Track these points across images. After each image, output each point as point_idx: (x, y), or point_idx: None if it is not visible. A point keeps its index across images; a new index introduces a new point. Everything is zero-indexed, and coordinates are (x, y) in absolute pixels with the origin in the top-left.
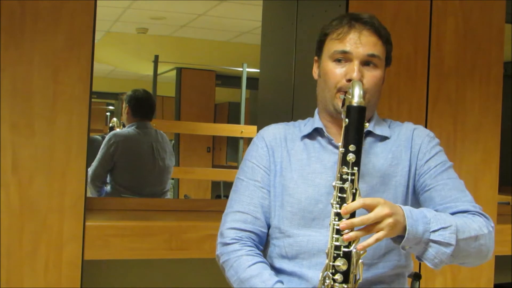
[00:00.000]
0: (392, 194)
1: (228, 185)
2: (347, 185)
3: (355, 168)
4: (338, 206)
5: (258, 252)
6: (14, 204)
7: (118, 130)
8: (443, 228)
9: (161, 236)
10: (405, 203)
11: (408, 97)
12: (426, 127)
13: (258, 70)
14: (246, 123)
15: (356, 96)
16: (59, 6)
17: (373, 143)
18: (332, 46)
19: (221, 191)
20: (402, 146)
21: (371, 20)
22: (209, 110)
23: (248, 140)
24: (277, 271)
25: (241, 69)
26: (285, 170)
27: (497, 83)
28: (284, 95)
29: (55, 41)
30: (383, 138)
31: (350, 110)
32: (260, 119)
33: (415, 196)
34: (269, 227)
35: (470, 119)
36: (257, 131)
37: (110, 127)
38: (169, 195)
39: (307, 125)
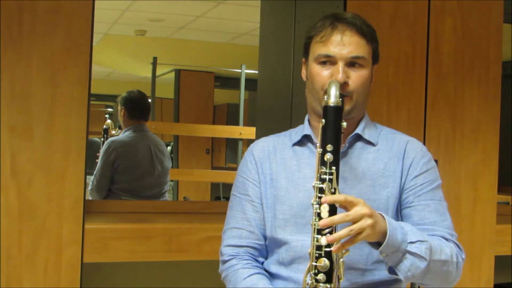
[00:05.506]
0: (383, 205)
1: (228, 187)
2: (325, 185)
3: (333, 168)
4: (317, 206)
5: (256, 264)
6: (13, 207)
7: (115, 136)
8: (420, 241)
9: (161, 238)
10: (396, 216)
11: (406, 97)
12: (424, 127)
13: (257, 72)
14: (245, 124)
15: (333, 96)
16: (57, 8)
17: (364, 149)
18: (317, 49)
19: (221, 193)
20: (395, 157)
21: (353, 19)
22: (208, 111)
23: (247, 142)
24: (274, 276)
25: (239, 70)
26: (275, 181)
27: (495, 83)
28: (283, 96)
29: (53, 44)
30: (373, 144)
31: (327, 110)
32: (259, 121)
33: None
34: (266, 238)
35: (469, 119)
36: (256, 133)
37: (104, 129)
38: (167, 195)
39: (297, 133)
